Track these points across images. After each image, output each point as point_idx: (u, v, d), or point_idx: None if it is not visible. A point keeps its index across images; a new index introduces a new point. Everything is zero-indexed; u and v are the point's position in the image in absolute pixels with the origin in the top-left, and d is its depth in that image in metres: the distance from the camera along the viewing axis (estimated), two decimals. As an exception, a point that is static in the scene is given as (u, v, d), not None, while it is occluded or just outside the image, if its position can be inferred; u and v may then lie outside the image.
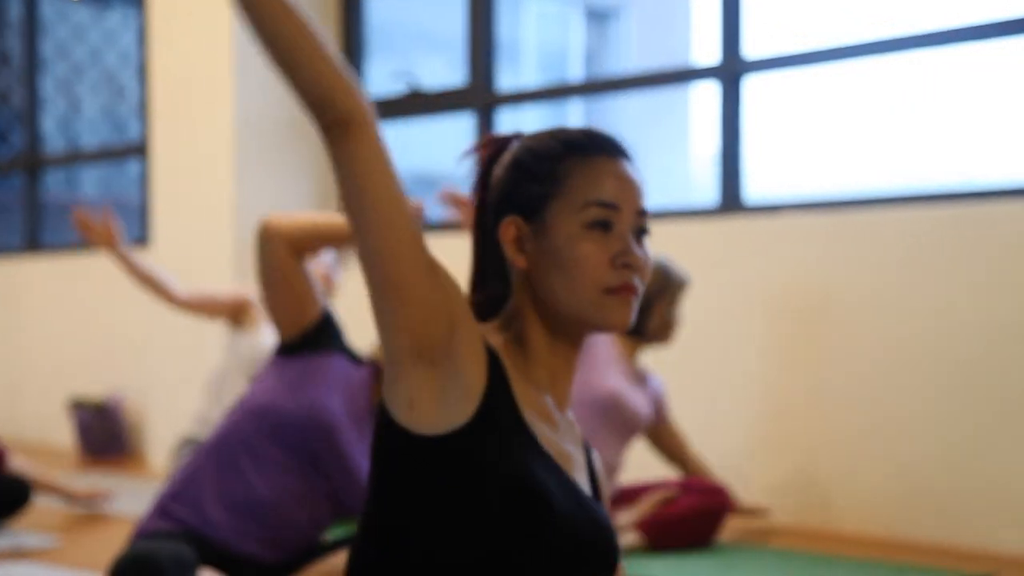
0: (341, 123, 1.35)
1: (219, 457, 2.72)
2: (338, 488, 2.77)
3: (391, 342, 1.40)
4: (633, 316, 1.50)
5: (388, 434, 1.44)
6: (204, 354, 5.34)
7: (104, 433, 6.11)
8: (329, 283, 4.00)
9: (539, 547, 1.43)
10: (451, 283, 1.42)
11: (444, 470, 1.41)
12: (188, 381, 5.40)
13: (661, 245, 4.54)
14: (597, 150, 1.55)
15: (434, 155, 7.13)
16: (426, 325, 1.38)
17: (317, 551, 2.78)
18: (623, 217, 1.51)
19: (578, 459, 1.57)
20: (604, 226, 1.50)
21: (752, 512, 4.03)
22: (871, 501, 4.06)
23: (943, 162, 4.45)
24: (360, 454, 2.78)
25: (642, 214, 1.53)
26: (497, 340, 1.52)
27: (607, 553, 1.52)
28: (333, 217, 2.71)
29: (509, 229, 1.54)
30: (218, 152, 5.53)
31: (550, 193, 1.52)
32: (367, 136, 1.36)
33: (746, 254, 4.30)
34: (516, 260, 1.53)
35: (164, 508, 2.71)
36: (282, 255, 2.65)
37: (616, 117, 8.00)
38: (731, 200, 4.50)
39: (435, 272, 1.40)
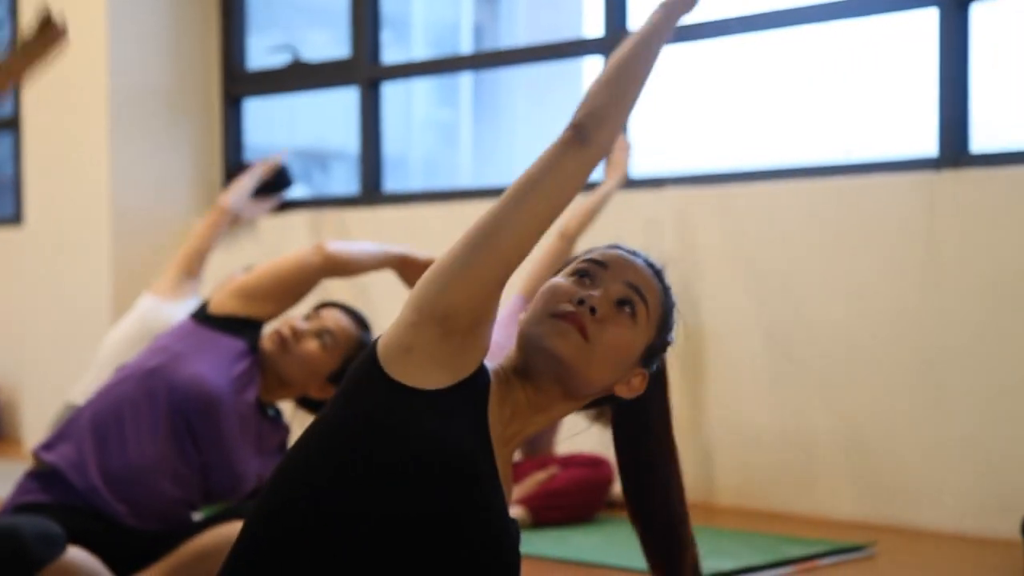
0: (593, 142, 1.54)
1: (99, 417, 2.70)
2: (210, 466, 2.74)
3: (438, 295, 1.51)
4: (575, 350, 1.57)
5: (369, 375, 1.52)
6: (80, 331, 5.20)
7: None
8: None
9: (454, 524, 1.50)
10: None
11: (400, 418, 1.49)
12: (63, 360, 5.25)
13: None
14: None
15: (321, 131, 7.03)
16: (480, 301, 1.52)
17: (190, 529, 2.73)
18: (608, 276, 1.63)
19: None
20: (585, 274, 1.63)
21: None
22: (753, 475, 4.09)
23: (829, 136, 4.49)
24: (237, 442, 2.77)
25: (633, 288, 1.62)
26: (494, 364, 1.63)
27: (502, 567, 1.56)
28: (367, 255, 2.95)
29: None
30: (93, 126, 5.36)
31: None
32: (592, 162, 1.56)
33: (635, 230, 4.29)
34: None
35: (37, 472, 2.68)
36: (318, 280, 2.90)
37: (506, 92, 7.97)
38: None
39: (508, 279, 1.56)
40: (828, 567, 3.28)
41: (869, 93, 4.51)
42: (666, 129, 5.01)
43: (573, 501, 3.73)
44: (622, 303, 1.62)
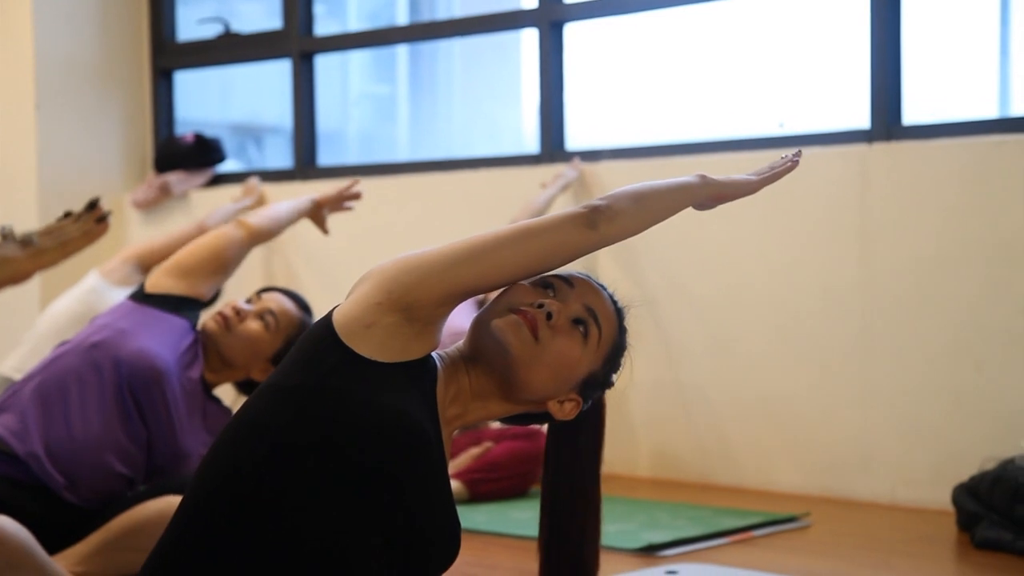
0: (600, 232, 1.64)
1: (43, 388, 2.70)
2: (154, 439, 2.74)
3: (412, 286, 1.59)
4: (522, 345, 1.63)
5: (325, 345, 1.59)
6: (6, 306, 5.10)
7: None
8: None
9: (404, 493, 1.56)
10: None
11: (357, 385, 1.55)
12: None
13: (485, 192, 4.51)
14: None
15: (255, 105, 6.95)
16: (443, 303, 1.61)
17: (122, 503, 2.71)
18: (572, 294, 1.69)
19: None
20: (550, 286, 1.69)
21: None
22: (682, 447, 4.10)
23: (762, 109, 4.51)
24: (182, 417, 2.78)
25: (591, 312, 1.69)
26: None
27: (447, 542, 1.64)
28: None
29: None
30: (18, 100, 5.26)
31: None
32: (590, 246, 1.66)
33: (570, 201, 4.28)
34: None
35: None
36: (245, 251, 3.01)
37: (444, 66, 7.92)
38: (552, 147, 4.48)
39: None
40: (763, 538, 3.30)
41: (802, 66, 4.52)
42: (601, 102, 5.00)
43: (509, 473, 3.73)
44: (577, 322, 1.69)
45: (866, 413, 3.79)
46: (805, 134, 4.02)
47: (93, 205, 2.71)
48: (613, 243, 1.69)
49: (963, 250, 3.65)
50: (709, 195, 1.78)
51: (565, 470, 1.81)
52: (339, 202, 3.40)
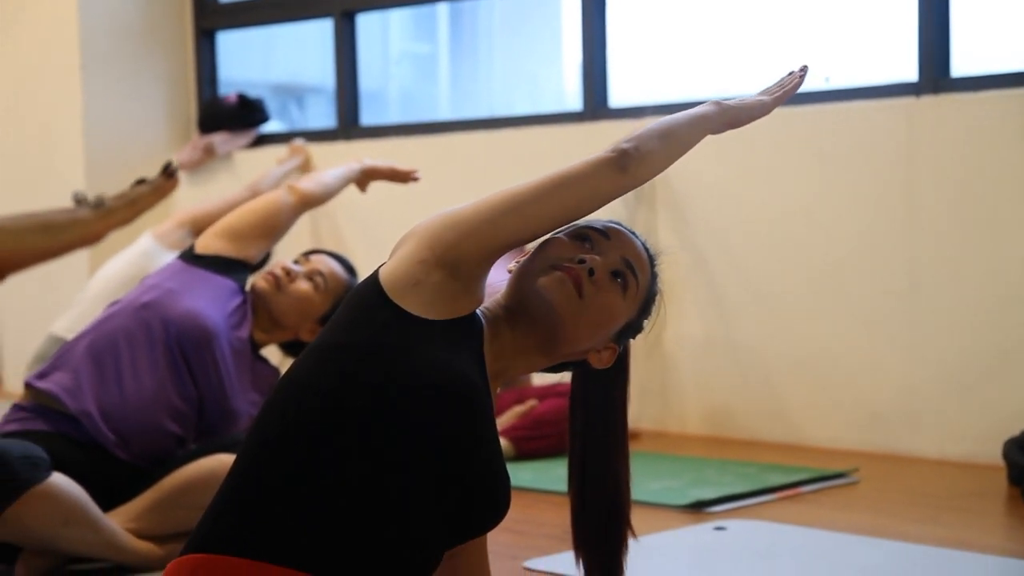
0: (630, 174, 1.65)
1: (95, 347, 2.72)
2: (205, 399, 2.77)
3: (456, 242, 1.60)
4: (567, 302, 1.64)
5: (375, 303, 1.59)
6: (56, 268, 5.15)
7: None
8: None
9: (460, 449, 1.57)
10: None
11: (409, 342, 1.56)
12: (41, 298, 5.22)
13: (528, 150, 4.50)
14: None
15: (297, 65, 6.95)
16: (486, 258, 1.62)
17: (177, 459, 2.73)
18: (608, 246, 1.70)
19: None
20: (586, 239, 1.70)
21: None
22: (728, 404, 4.10)
23: (808, 62, 4.44)
24: (231, 376, 2.80)
25: (628, 264, 1.70)
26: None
27: (497, 499, 1.64)
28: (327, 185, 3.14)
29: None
30: (64, 62, 5.28)
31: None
32: (621, 189, 1.66)
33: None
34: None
35: (25, 404, 2.70)
36: (295, 217, 3.03)
37: (484, 24, 7.89)
38: (595, 104, 4.46)
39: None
40: (811, 494, 3.29)
41: (848, 18, 4.46)
42: (644, 58, 4.96)
43: (554, 430, 3.73)
44: (616, 274, 1.70)
45: (915, 368, 3.77)
46: (851, 87, 3.97)
47: (167, 168, 2.74)
48: (643, 183, 1.71)
49: (1012, 204, 3.61)
50: (725, 121, 1.78)
51: (595, 416, 1.82)
52: (390, 178, 3.36)
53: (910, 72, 3.82)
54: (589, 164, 1.66)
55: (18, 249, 2.48)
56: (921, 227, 3.74)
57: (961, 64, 3.78)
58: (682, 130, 1.73)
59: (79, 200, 2.61)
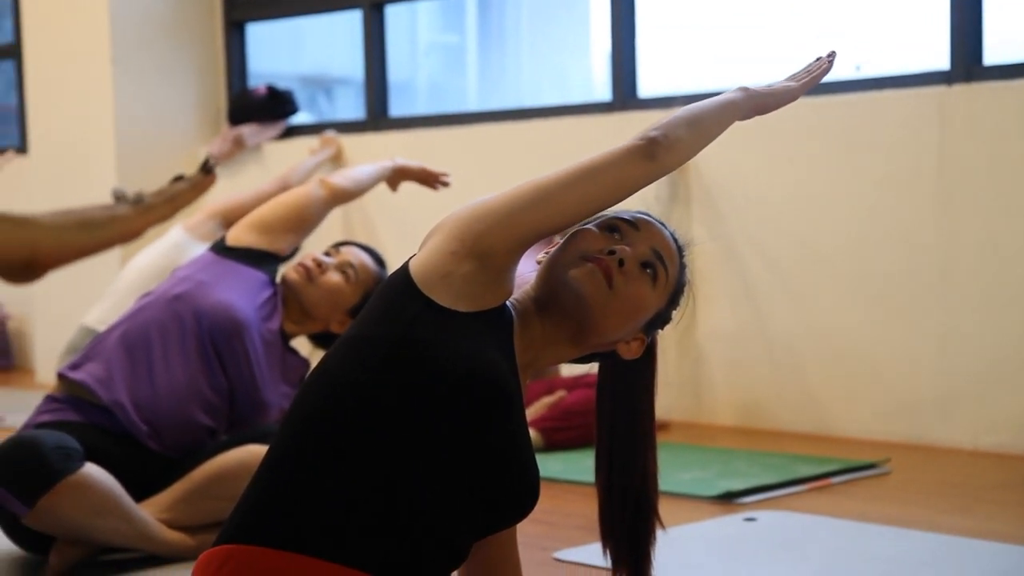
0: (659, 162, 1.63)
1: (128, 339, 2.74)
2: (236, 390, 2.79)
3: (484, 233, 1.60)
4: (598, 293, 1.64)
5: (406, 294, 1.59)
6: (87, 261, 5.18)
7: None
8: None
9: (489, 440, 1.57)
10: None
11: (440, 334, 1.56)
12: (72, 289, 5.25)
13: (556, 141, 4.49)
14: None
15: (325, 57, 6.97)
16: (514, 248, 1.61)
17: (208, 450, 2.74)
18: (638, 237, 1.70)
19: None
20: (615, 230, 1.70)
21: None
22: (756, 394, 4.08)
23: (839, 51, 4.42)
24: (262, 367, 2.81)
25: (657, 255, 1.70)
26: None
27: (527, 489, 1.64)
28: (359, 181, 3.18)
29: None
30: (95, 53, 5.31)
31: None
32: (650, 177, 1.65)
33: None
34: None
35: (57, 395, 2.72)
36: (326, 211, 3.07)
37: (512, 16, 7.89)
38: (625, 94, 4.45)
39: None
40: (842, 485, 3.28)
41: (879, 6, 4.43)
42: (674, 47, 4.95)
43: (583, 421, 3.73)
44: (646, 265, 1.69)
45: (947, 359, 3.74)
46: (882, 76, 3.95)
47: (205, 165, 2.76)
48: (672, 171, 1.69)
49: (1046, 193, 3.58)
50: (753, 107, 1.77)
51: (623, 407, 1.81)
52: (420, 179, 3.37)
53: (942, 60, 3.80)
54: (617, 153, 1.65)
55: (58, 246, 2.49)
56: (953, 217, 3.72)
57: (993, 52, 3.75)
58: (710, 117, 1.72)
59: (118, 197, 2.63)
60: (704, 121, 1.70)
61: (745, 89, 1.76)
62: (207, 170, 2.68)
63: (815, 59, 1.85)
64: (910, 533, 2.73)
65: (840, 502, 3.08)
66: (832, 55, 1.85)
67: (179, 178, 2.72)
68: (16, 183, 5.87)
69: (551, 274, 1.69)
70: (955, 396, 3.73)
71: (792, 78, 1.82)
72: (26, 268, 2.22)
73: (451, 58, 7.63)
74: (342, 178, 3.12)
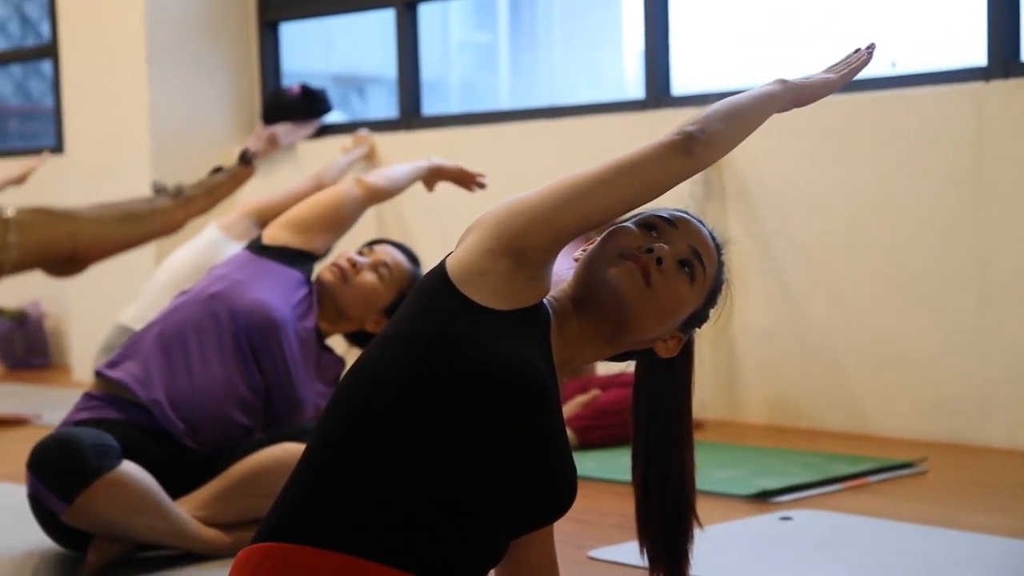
0: (696, 157, 1.62)
1: (165, 337, 2.75)
2: (272, 388, 2.79)
3: (521, 230, 1.59)
4: (636, 292, 1.64)
5: (443, 293, 1.59)
6: (123, 259, 5.22)
7: (25, 344, 5.98)
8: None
9: (527, 437, 1.57)
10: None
11: (478, 332, 1.56)
12: (108, 288, 5.28)
13: (589, 139, 4.49)
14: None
15: (358, 56, 6.99)
16: (552, 245, 1.61)
17: (244, 448, 2.75)
18: (676, 235, 1.69)
19: None
20: (653, 228, 1.69)
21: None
22: (791, 393, 4.07)
23: (875, 47, 4.39)
24: (298, 366, 2.82)
25: (695, 253, 1.69)
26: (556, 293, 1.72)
27: (564, 488, 1.64)
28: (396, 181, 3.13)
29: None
30: (130, 53, 5.35)
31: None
32: (688, 172, 1.64)
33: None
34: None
35: (95, 393, 2.73)
36: (362, 210, 3.03)
37: (544, 14, 7.89)
38: (658, 92, 4.43)
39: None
40: (878, 484, 3.26)
41: (915, 2, 4.41)
42: (707, 44, 4.93)
43: (618, 420, 3.72)
44: (684, 264, 1.69)
45: (983, 357, 3.72)
46: (918, 73, 3.92)
47: (244, 156, 2.75)
48: (709, 165, 1.68)
49: (1085, 190, 3.55)
50: (791, 99, 1.75)
51: (659, 406, 1.80)
52: (456, 179, 3.31)
53: (979, 57, 3.77)
54: (654, 148, 1.63)
55: (99, 239, 2.50)
56: (991, 214, 3.69)
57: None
58: (748, 110, 1.70)
59: (158, 189, 2.63)
60: (742, 114, 1.69)
61: (783, 81, 1.75)
62: (246, 161, 2.68)
63: (854, 51, 1.83)
64: (947, 532, 2.72)
65: (876, 501, 3.06)
66: (871, 47, 1.83)
67: (218, 169, 2.72)
68: (52, 183, 5.92)
69: (588, 272, 1.69)
70: (993, 394, 3.70)
71: (830, 70, 1.80)
72: (68, 261, 2.24)
73: (483, 56, 7.63)
74: (378, 177, 3.11)
